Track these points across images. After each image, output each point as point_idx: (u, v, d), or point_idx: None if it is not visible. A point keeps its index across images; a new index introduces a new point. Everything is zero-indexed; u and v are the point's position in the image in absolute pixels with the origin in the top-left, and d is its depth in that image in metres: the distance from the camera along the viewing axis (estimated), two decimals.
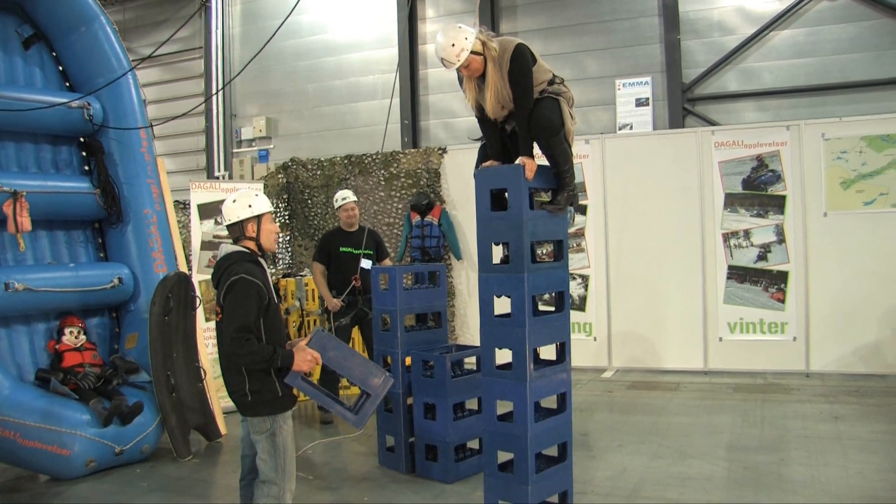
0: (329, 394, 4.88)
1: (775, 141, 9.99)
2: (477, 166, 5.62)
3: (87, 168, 8.29)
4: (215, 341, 9.10)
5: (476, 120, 5.58)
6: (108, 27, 8.35)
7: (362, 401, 4.82)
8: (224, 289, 4.50)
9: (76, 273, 7.73)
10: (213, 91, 15.52)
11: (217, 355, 8.47)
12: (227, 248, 4.72)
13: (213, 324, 9.15)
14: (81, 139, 8.33)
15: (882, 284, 9.51)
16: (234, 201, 4.73)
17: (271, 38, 7.20)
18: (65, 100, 7.92)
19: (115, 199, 8.09)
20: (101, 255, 8.30)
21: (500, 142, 5.52)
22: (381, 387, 4.81)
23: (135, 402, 7.06)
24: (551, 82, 5.32)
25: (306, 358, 4.51)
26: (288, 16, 7.05)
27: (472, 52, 5.08)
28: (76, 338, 7.44)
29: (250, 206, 4.70)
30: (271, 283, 4.68)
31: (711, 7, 12.07)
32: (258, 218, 4.73)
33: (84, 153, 8.34)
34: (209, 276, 9.20)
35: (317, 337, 4.66)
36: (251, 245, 4.72)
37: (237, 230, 4.72)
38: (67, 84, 8.40)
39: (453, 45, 5.04)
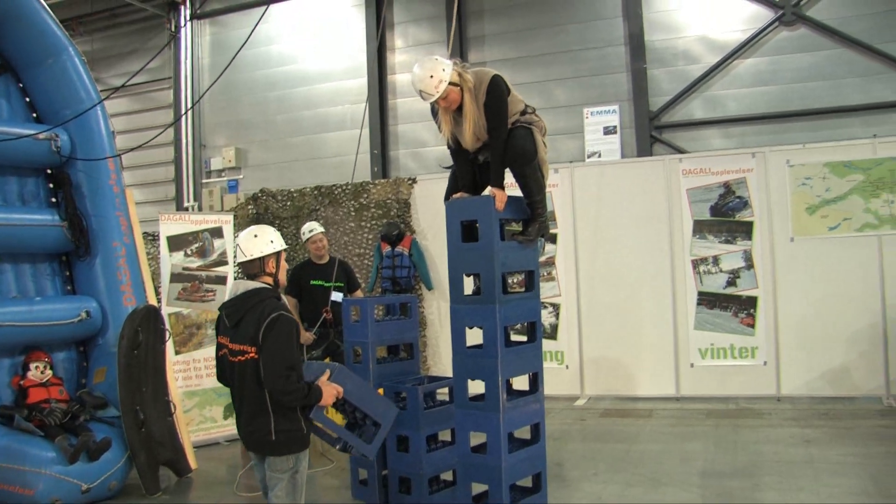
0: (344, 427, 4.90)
1: (741, 168, 10.12)
2: (447, 194, 5.64)
3: (54, 200, 8.18)
4: (186, 374, 9.11)
5: (447, 149, 5.61)
6: (77, 58, 8.28)
7: (373, 431, 4.89)
8: (264, 327, 4.36)
9: (42, 307, 7.60)
10: (181, 114, 15.44)
11: (187, 389, 8.37)
12: (247, 283, 4.62)
13: (183, 357, 9.17)
14: (49, 171, 8.23)
15: (848, 308, 9.64)
16: (256, 236, 4.66)
17: (235, 56, 7.17)
18: (32, 131, 7.83)
19: (83, 232, 7.99)
20: (69, 288, 8.18)
21: (471, 173, 5.56)
22: (388, 418, 4.92)
23: (103, 437, 6.94)
24: (523, 112, 5.37)
25: (332, 392, 4.52)
26: (248, 37, 7.03)
27: (449, 84, 5.11)
28: (42, 373, 7.31)
29: (272, 241, 4.66)
30: None
31: (676, 37, 12.24)
32: (278, 254, 4.70)
33: (51, 185, 8.23)
34: (179, 309, 9.24)
35: (339, 372, 4.71)
36: (269, 281, 4.66)
37: (256, 266, 4.63)
38: (35, 115, 8.30)
39: (431, 76, 5.08)
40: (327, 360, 8.44)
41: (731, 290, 10.14)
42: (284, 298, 8.58)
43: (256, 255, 4.61)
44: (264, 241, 4.65)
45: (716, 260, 10.19)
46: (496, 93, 5.19)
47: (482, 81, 5.20)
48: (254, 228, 4.76)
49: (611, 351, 10.61)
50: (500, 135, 5.22)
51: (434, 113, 5.45)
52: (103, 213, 8.10)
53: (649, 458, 7.63)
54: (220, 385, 9.41)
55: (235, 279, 4.78)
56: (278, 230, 12.06)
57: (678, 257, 10.31)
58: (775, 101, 11.64)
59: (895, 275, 9.52)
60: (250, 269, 4.65)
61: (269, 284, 4.64)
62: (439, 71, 5.09)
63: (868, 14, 11.17)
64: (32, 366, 7.30)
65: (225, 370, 4.68)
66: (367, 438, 4.87)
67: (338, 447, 4.91)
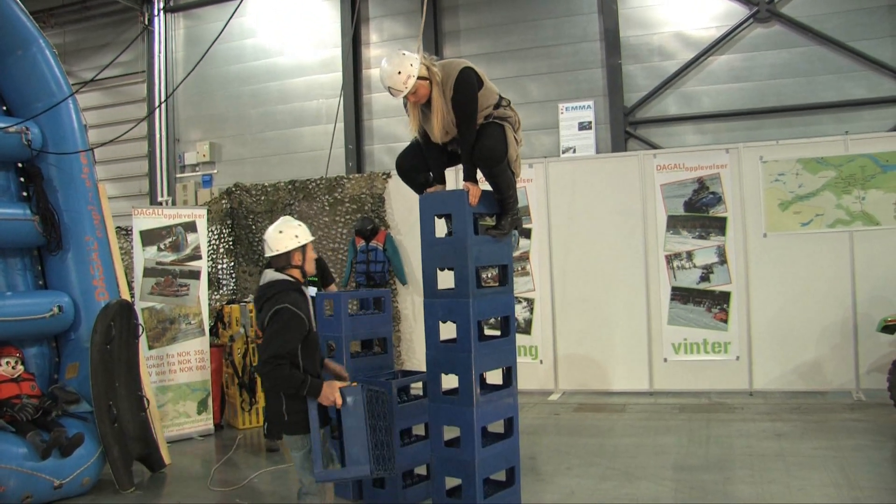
0: (321, 438, 4.80)
1: (715, 163, 10.18)
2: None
3: (25, 194, 8.09)
4: (159, 369, 9.08)
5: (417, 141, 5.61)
6: (48, 50, 8.19)
7: (336, 467, 4.87)
8: (269, 316, 4.71)
9: (13, 302, 7.52)
10: (154, 107, 15.33)
11: (160, 384, 8.38)
12: (272, 274, 4.93)
13: (156, 352, 9.14)
14: (20, 165, 8.13)
15: (820, 303, 9.73)
16: (280, 232, 4.93)
17: (208, 50, 7.12)
18: (2, 125, 7.74)
19: (55, 226, 7.90)
20: (41, 283, 8.09)
21: (443, 165, 5.56)
22: (353, 469, 4.74)
23: (75, 433, 6.89)
24: (497, 105, 5.35)
25: (328, 396, 4.69)
26: (221, 30, 6.99)
27: (418, 79, 5.09)
28: (13, 368, 7.23)
29: (297, 236, 4.93)
30: (311, 311, 4.89)
31: (651, 33, 12.31)
32: (303, 247, 4.97)
33: (22, 179, 8.13)
34: (152, 304, 9.18)
35: (350, 389, 4.76)
36: (296, 273, 4.96)
37: (283, 259, 4.92)
38: (4, 108, 8.21)
39: (399, 72, 5.05)
40: None
41: (704, 286, 10.21)
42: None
43: (282, 250, 4.90)
44: (289, 236, 4.92)
45: (689, 255, 10.25)
46: (463, 88, 5.17)
47: (450, 76, 5.18)
48: (279, 224, 5.01)
49: (584, 346, 10.65)
50: (469, 131, 5.21)
51: (406, 105, 5.43)
52: (75, 208, 8.02)
53: (623, 452, 7.67)
54: (193, 380, 9.48)
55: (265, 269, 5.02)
56: (251, 225, 12.11)
57: (652, 252, 10.36)
58: (749, 98, 11.75)
59: (866, 270, 9.63)
60: (278, 262, 4.94)
61: (293, 277, 4.92)
62: (407, 66, 5.07)
63: (841, 12, 11.30)
64: (3, 361, 7.22)
65: None
66: (325, 462, 4.82)
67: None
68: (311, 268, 5.06)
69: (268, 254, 4.97)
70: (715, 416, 9.02)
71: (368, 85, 14.05)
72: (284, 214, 10.58)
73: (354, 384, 4.83)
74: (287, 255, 4.91)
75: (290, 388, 4.64)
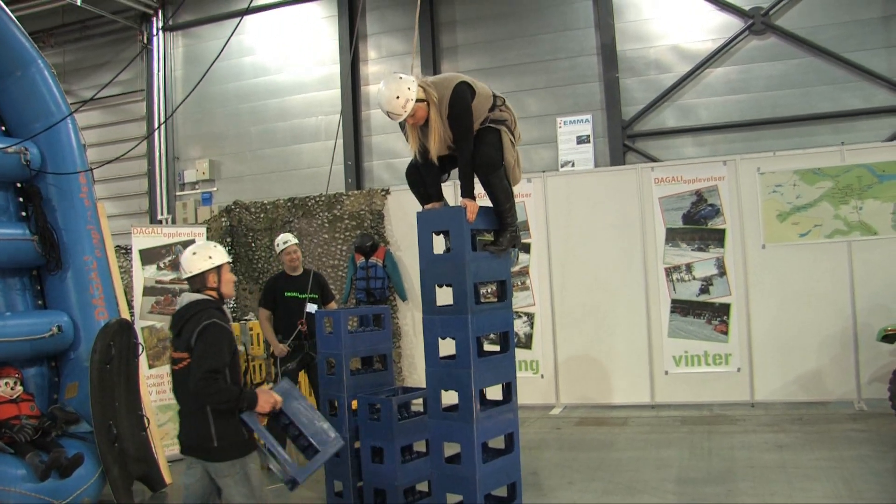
0: (276, 441, 4.87)
1: (713, 176, 10.20)
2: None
3: (24, 214, 8.07)
4: (160, 388, 9.05)
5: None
6: (46, 71, 8.19)
7: (309, 456, 4.91)
8: (196, 334, 4.59)
9: (13, 322, 7.49)
10: (154, 128, 15.37)
11: (161, 403, 8.34)
12: (190, 296, 4.87)
13: (156, 371, 9.11)
14: (18, 184, 8.13)
15: (819, 313, 9.73)
16: (194, 254, 4.91)
17: (209, 69, 7.14)
18: (1, 145, 7.75)
19: (54, 246, 7.87)
20: (40, 302, 8.07)
21: (439, 182, 5.58)
22: (330, 445, 4.90)
23: (75, 453, 6.84)
24: (492, 108, 5.36)
25: (269, 400, 4.68)
26: (222, 49, 7.01)
27: (416, 101, 5.11)
28: (12, 389, 7.19)
29: (210, 257, 4.90)
30: (231, 330, 4.83)
31: (648, 46, 12.36)
32: (218, 269, 4.93)
33: (21, 199, 8.13)
34: (152, 323, 9.17)
35: (283, 385, 4.91)
36: (213, 294, 4.91)
37: (199, 281, 4.89)
38: (3, 128, 8.21)
39: (398, 97, 5.06)
40: (302, 372, 8.42)
41: (704, 298, 10.21)
42: (259, 311, 8.58)
43: (195, 271, 4.89)
44: (202, 257, 4.91)
45: (689, 267, 10.25)
46: (459, 107, 5.18)
47: (444, 96, 5.19)
48: (194, 246, 5.05)
49: (585, 359, 10.63)
50: (467, 146, 5.23)
51: (402, 126, 5.44)
52: (74, 227, 8.01)
53: (625, 466, 7.66)
54: None
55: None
56: (251, 243, 12.12)
57: (651, 265, 10.36)
58: (746, 110, 11.79)
59: (865, 280, 9.63)
60: (194, 284, 4.92)
61: (212, 297, 4.90)
62: (405, 90, 5.08)
63: (836, 23, 11.35)
64: (2, 382, 7.17)
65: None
66: (305, 459, 4.92)
67: (284, 482, 4.87)
68: (228, 290, 5.01)
69: (182, 276, 4.99)
70: (716, 428, 9.01)
71: (367, 101, 14.09)
72: (284, 231, 10.64)
73: (269, 384, 4.92)
74: (202, 277, 4.89)
75: (227, 401, 4.53)
